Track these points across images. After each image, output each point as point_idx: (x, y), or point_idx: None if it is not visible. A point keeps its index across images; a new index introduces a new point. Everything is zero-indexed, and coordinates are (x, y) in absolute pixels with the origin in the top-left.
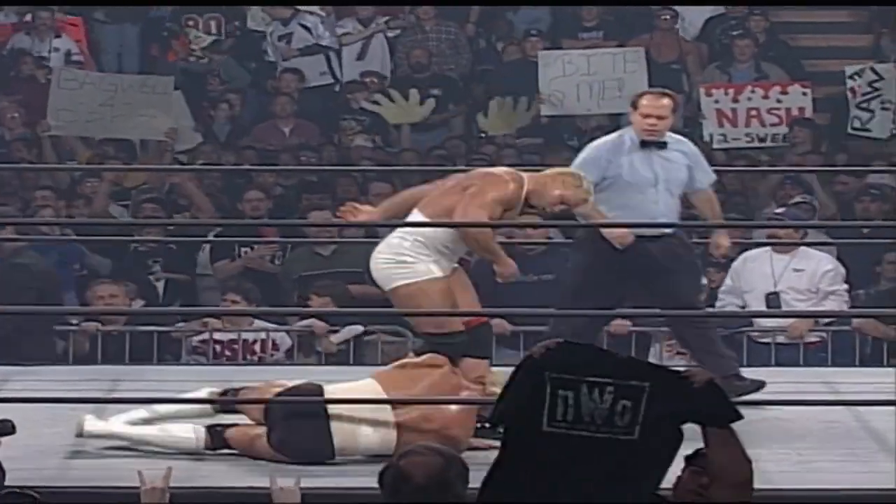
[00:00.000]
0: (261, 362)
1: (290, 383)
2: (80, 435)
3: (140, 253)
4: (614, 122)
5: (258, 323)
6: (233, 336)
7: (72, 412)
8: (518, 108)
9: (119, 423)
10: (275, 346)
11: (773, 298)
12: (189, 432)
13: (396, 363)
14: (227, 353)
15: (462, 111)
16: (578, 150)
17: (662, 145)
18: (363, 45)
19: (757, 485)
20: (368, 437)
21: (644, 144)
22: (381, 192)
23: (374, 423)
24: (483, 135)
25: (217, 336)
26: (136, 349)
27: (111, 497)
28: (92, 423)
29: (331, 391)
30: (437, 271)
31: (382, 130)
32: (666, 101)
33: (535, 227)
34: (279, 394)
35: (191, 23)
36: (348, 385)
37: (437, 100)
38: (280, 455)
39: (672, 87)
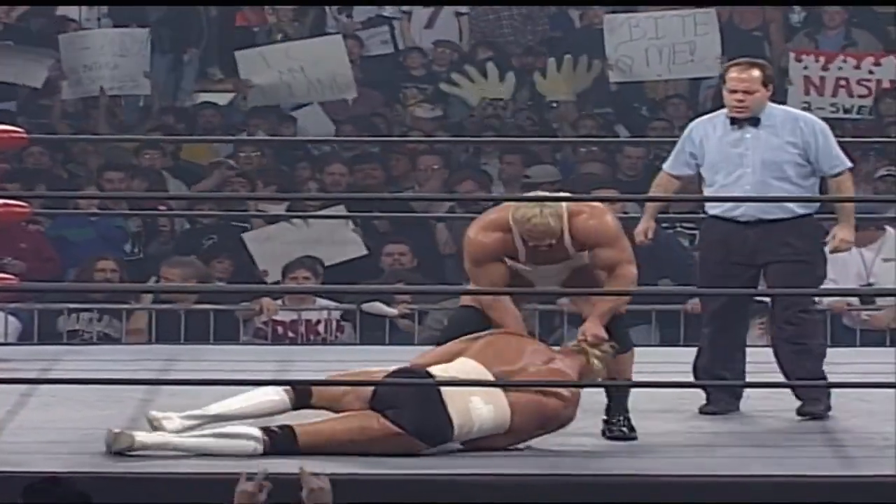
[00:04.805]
0: (324, 343)
1: (390, 369)
2: (130, 448)
3: (195, 230)
4: (694, 87)
5: (320, 301)
6: (294, 316)
7: (125, 393)
8: (578, 70)
9: (171, 432)
10: (339, 327)
11: None
12: (250, 434)
13: (466, 338)
14: (291, 333)
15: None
16: (650, 119)
17: (756, 122)
18: (432, 15)
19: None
20: (482, 414)
21: (734, 122)
22: (428, 166)
23: (486, 399)
24: (555, 104)
25: (278, 316)
26: (191, 329)
27: (164, 486)
28: (144, 437)
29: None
30: None
31: (445, 100)
32: (755, 72)
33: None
34: (388, 376)
35: None
36: (445, 365)
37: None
38: (398, 428)
39: (753, 55)
